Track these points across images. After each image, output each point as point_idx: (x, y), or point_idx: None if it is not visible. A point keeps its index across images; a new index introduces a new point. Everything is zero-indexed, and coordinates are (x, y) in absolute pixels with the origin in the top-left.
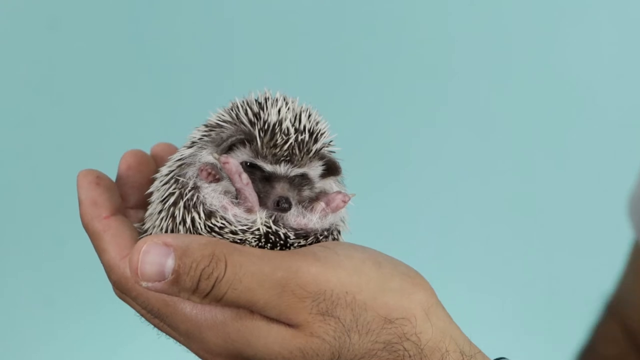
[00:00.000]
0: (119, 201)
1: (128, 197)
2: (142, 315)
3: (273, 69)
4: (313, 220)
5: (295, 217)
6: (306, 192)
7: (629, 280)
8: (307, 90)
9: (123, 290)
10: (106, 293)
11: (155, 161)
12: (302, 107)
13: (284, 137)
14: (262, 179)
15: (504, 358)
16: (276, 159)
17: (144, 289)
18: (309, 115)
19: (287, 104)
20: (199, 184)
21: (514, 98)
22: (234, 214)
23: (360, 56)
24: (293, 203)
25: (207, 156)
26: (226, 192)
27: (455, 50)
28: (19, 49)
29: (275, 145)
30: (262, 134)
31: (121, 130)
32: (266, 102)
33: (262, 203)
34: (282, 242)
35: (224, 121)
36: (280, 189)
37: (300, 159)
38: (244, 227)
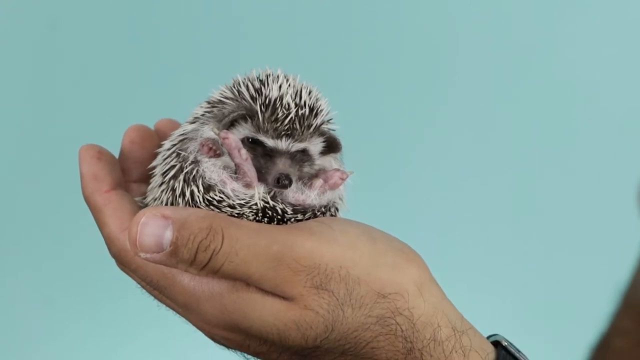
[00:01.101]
0: (119, 176)
1: (131, 171)
2: (142, 286)
3: (271, 66)
4: (311, 196)
5: (294, 193)
6: (306, 169)
7: None
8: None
9: (123, 262)
10: (106, 293)
11: (159, 136)
12: (302, 84)
13: (284, 111)
14: (264, 155)
15: (497, 334)
16: (277, 134)
17: (143, 261)
18: (310, 92)
19: (287, 80)
20: (199, 158)
21: (515, 98)
22: (233, 189)
23: (361, 55)
24: (293, 179)
25: (209, 132)
26: (225, 167)
27: (456, 49)
28: (20, 49)
29: (276, 120)
30: (263, 109)
31: (121, 129)
32: (267, 78)
33: (263, 179)
34: (279, 217)
35: (226, 97)
36: (282, 164)
37: (300, 134)
38: (242, 202)
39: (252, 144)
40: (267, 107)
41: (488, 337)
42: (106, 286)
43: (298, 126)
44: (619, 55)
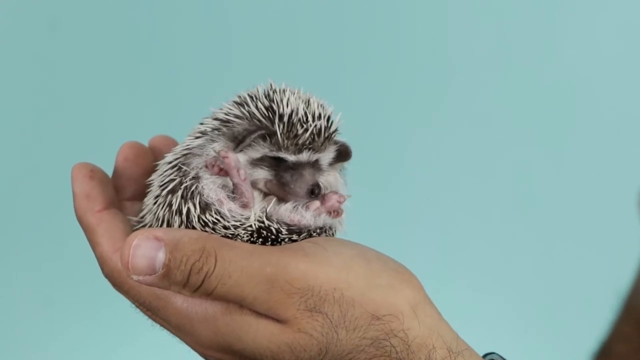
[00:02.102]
0: (112, 195)
1: (125, 189)
2: (136, 306)
3: (268, 66)
4: (306, 217)
5: (289, 213)
6: (316, 177)
7: None
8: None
9: (115, 283)
10: (106, 293)
11: (153, 153)
12: (310, 96)
13: (302, 126)
14: (286, 170)
15: (493, 353)
16: (298, 148)
17: (135, 283)
18: (320, 104)
19: (293, 94)
20: (200, 174)
21: (514, 96)
22: (229, 209)
23: (357, 54)
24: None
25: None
26: (224, 186)
27: (454, 48)
28: (20, 50)
29: (296, 136)
30: (282, 127)
31: (121, 130)
32: (274, 94)
33: (291, 192)
34: (273, 236)
35: (236, 116)
36: (309, 175)
37: (320, 145)
38: (237, 223)
39: (272, 160)
40: (284, 124)
41: (484, 356)
42: (106, 286)
43: (317, 138)
44: (619, 55)
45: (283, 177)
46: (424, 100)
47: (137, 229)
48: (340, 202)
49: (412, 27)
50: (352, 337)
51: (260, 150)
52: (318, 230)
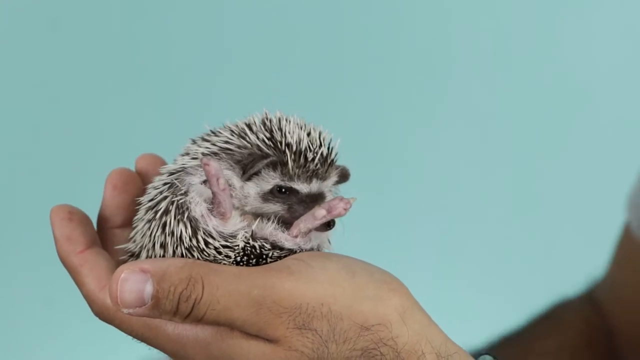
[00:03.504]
0: (93, 234)
1: (114, 217)
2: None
3: (267, 66)
4: (298, 241)
5: (277, 234)
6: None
7: (614, 271)
8: (298, 90)
9: (106, 319)
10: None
11: (141, 177)
12: (304, 122)
13: (309, 154)
14: (299, 202)
15: (487, 354)
16: (308, 177)
17: (125, 316)
18: (316, 129)
19: (290, 122)
20: (190, 189)
21: (513, 97)
22: (214, 226)
23: (353, 56)
24: None
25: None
26: (206, 200)
27: (453, 49)
28: (20, 49)
29: (305, 164)
30: (292, 156)
31: (121, 129)
32: (271, 123)
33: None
34: (257, 252)
35: (238, 146)
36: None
37: (324, 172)
38: (227, 243)
39: (283, 193)
40: (294, 154)
41: (476, 357)
42: None
43: (320, 165)
44: (620, 55)
45: (297, 211)
46: (422, 100)
47: (124, 258)
48: (346, 209)
49: (412, 28)
50: (343, 350)
51: (271, 181)
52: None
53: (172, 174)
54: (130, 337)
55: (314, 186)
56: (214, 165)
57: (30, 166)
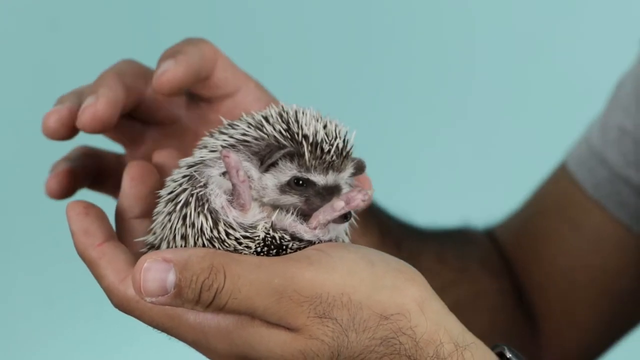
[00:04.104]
0: (110, 228)
1: (132, 208)
2: (152, 328)
3: (278, 66)
4: (317, 233)
5: (297, 226)
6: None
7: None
8: (304, 90)
9: (126, 311)
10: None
11: (158, 170)
12: (321, 115)
13: (325, 145)
14: (316, 194)
15: (501, 345)
16: (324, 168)
17: (146, 307)
18: (332, 122)
19: (306, 114)
20: (209, 180)
21: (516, 99)
22: (234, 217)
23: (359, 56)
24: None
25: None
26: (225, 191)
27: (452, 49)
28: (20, 49)
29: (322, 156)
30: (309, 147)
31: None
32: (288, 115)
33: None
34: (277, 243)
35: (254, 138)
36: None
37: (340, 164)
38: (247, 233)
39: (300, 185)
40: (311, 145)
41: (493, 348)
42: None
43: (336, 157)
44: (623, 56)
45: (314, 203)
46: (421, 102)
47: (143, 251)
48: (364, 201)
49: (410, 27)
50: (362, 339)
51: (288, 172)
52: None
53: (191, 166)
54: (129, 339)
55: (330, 178)
56: (233, 157)
57: (30, 167)
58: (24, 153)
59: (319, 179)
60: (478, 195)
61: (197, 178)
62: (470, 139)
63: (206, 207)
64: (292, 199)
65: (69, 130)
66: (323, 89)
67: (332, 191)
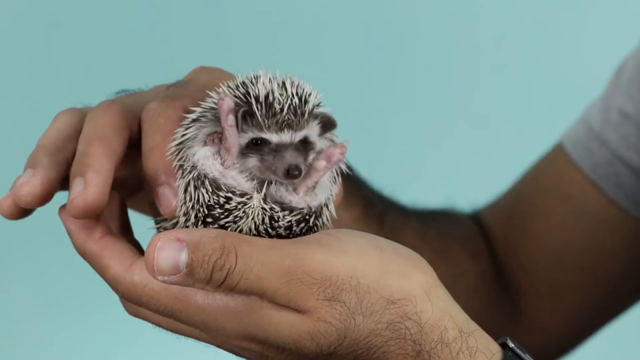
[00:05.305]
0: (108, 226)
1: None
2: (158, 324)
3: (268, 67)
4: (306, 198)
5: (285, 195)
6: (311, 157)
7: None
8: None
9: (132, 298)
10: (108, 294)
11: None
12: (283, 77)
13: (279, 103)
14: (270, 153)
15: (504, 337)
16: (278, 127)
17: (153, 292)
18: (293, 82)
19: (267, 77)
20: (196, 161)
21: (513, 98)
22: (232, 177)
23: (359, 56)
24: (303, 169)
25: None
26: (213, 155)
27: (452, 50)
28: (20, 49)
29: (274, 114)
30: (259, 106)
31: None
32: (251, 80)
33: (273, 174)
34: (269, 215)
35: (216, 104)
36: (289, 156)
37: (298, 122)
38: (244, 199)
39: (258, 145)
40: (261, 105)
41: (496, 339)
42: (107, 287)
43: (293, 116)
44: (622, 53)
45: (267, 161)
46: (421, 101)
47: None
48: (343, 153)
49: (416, 23)
50: (369, 322)
51: (246, 135)
52: (314, 210)
53: (176, 155)
54: (129, 339)
55: (286, 136)
56: (227, 101)
57: None
58: (23, 153)
59: (272, 137)
60: (469, 179)
61: (185, 165)
62: (468, 126)
63: (207, 182)
64: (251, 160)
65: (45, 200)
66: (324, 87)
67: (287, 147)
